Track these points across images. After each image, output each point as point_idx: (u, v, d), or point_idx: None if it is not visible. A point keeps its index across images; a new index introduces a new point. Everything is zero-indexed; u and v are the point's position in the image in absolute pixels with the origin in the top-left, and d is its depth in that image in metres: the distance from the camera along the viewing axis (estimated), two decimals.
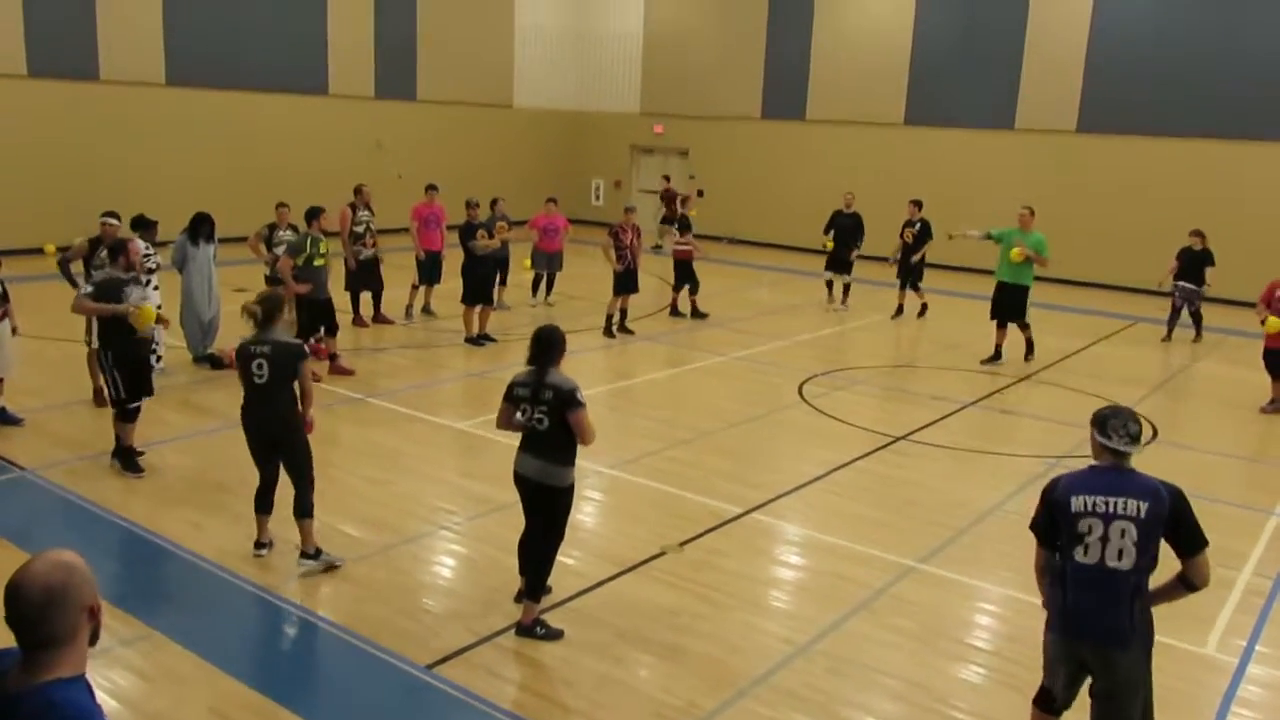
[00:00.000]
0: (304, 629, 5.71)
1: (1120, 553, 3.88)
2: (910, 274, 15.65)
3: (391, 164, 21.37)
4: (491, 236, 12.72)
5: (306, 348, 6.57)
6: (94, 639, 2.29)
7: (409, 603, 5.93)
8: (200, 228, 10.80)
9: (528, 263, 15.15)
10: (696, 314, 14.89)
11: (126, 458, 7.74)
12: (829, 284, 16.56)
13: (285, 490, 6.34)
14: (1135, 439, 4.01)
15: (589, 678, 5.21)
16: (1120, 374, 12.65)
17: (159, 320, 8.05)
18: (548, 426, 5.42)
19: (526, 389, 5.48)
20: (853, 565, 6.73)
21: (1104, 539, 3.90)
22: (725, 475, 8.35)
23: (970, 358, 13.13)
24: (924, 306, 15.92)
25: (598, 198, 27.15)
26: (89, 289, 7.57)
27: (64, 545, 2.33)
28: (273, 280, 10.93)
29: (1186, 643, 5.78)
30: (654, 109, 26.22)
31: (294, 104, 21.02)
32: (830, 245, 16.28)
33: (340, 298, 11.97)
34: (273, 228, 11.70)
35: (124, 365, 7.63)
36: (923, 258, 15.53)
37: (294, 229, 11.47)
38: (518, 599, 5.85)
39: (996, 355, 12.90)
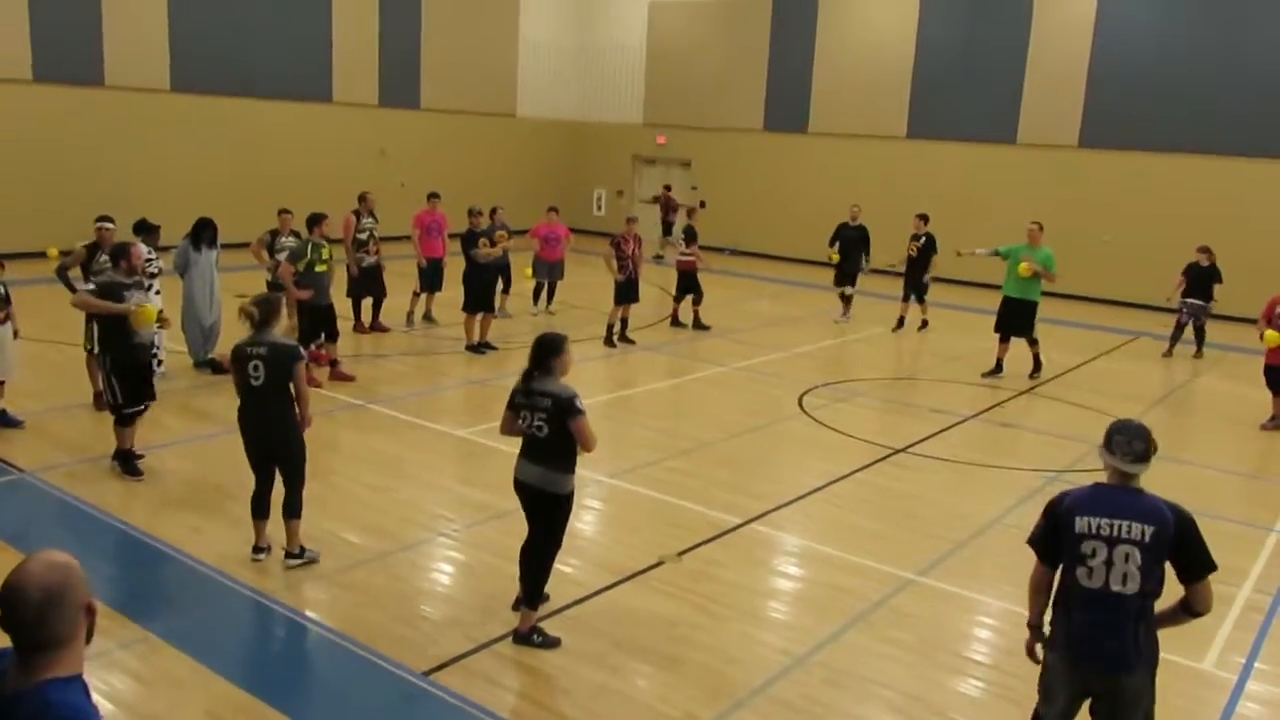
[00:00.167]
0: (301, 634, 5.71)
1: (1125, 577, 3.77)
2: (915, 287, 15.70)
3: (394, 172, 21.42)
4: (493, 245, 12.75)
5: (304, 351, 6.57)
6: (89, 638, 2.29)
7: (407, 609, 5.93)
8: (203, 233, 10.82)
9: (529, 271, 15.17)
10: (698, 325, 14.90)
11: (125, 461, 7.74)
12: (842, 296, 16.60)
13: (278, 492, 6.37)
14: (1141, 458, 3.88)
15: (586, 687, 5.20)
16: (1121, 389, 12.65)
17: (160, 322, 8.05)
18: (547, 434, 5.42)
19: (525, 396, 5.49)
20: (851, 577, 6.72)
21: (1108, 563, 3.78)
22: (725, 486, 8.34)
23: (971, 371, 13.13)
24: (924, 322, 15.94)
25: (600, 208, 27.20)
26: (91, 287, 7.57)
27: (63, 548, 2.32)
28: (275, 286, 10.94)
29: (1185, 659, 5.76)
30: (657, 120, 26.29)
31: (298, 111, 21.08)
32: (835, 258, 16.36)
33: (342, 304, 11.99)
34: (275, 234, 11.72)
35: (122, 371, 7.64)
36: (930, 276, 15.55)
37: (296, 235, 11.49)
38: (516, 606, 5.85)
39: (997, 369, 12.91)
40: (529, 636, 5.53)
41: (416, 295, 14.03)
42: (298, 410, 6.31)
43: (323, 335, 10.79)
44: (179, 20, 19.03)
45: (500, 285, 13.84)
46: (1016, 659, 5.55)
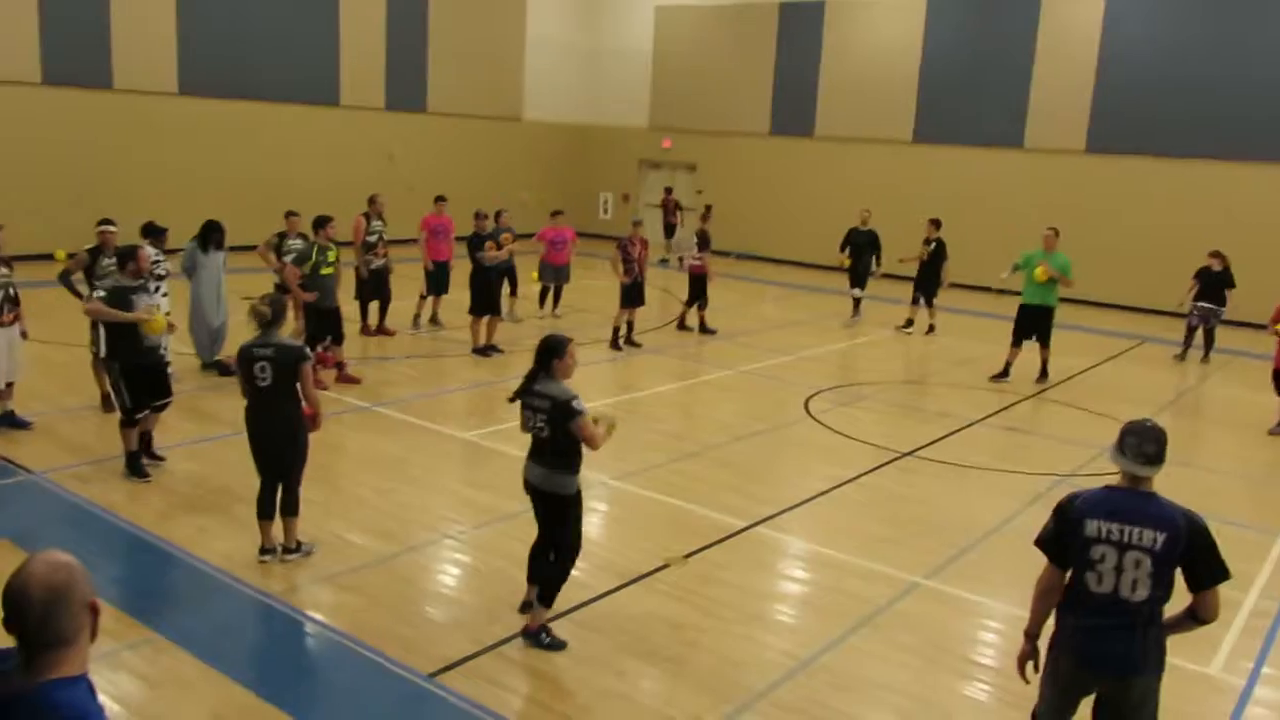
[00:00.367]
0: (307, 635, 5.71)
1: (1134, 584, 3.72)
2: (924, 291, 15.74)
3: (401, 176, 21.46)
4: (500, 248, 12.77)
5: (311, 353, 6.59)
6: (93, 636, 2.28)
7: (413, 611, 5.93)
8: (210, 235, 10.85)
9: (535, 274, 15.20)
10: (704, 329, 14.90)
11: (132, 463, 7.76)
12: (855, 300, 16.71)
13: None
14: (1153, 460, 3.81)
15: (591, 689, 5.21)
16: (1128, 393, 12.62)
17: (168, 327, 8.10)
18: (548, 434, 5.46)
19: (528, 396, 5.53)
20: (857, 580, 6.71)
21: (1118, 568, 3.73)
22: (730, 489, 8.34)
23: (978, 375, 13.12)
24: (931, 327, 15.96)
25: (605, 211, 27.24)
26: (101, 294, 7.58)
27: (70, 549, 2.31)
28: (282, 288, 10.97)
29: (1193, 664, 5.75)
30: (662, 124, 26.32)
31: (305, 114, 21.15)
32: (847, 262, 16.43)
33: (350, 306, 12.02)
34: (283, 236, 11.75)
35: (131, 375, 7.67)
36: (939, 278, 15.56)
37: (304, 237, 11.52)
38: (522, 609, 5.86)
39: (1004, 373, 12.89)
40: (538, 635, 5.55)
41: (423, 298, 14.06)
42: (305, 411, 6.34)
43: (328, 338, 10.81)
44: (187, 24, 19.11)
45: (507, 289, 13.86)
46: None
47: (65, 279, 9.30)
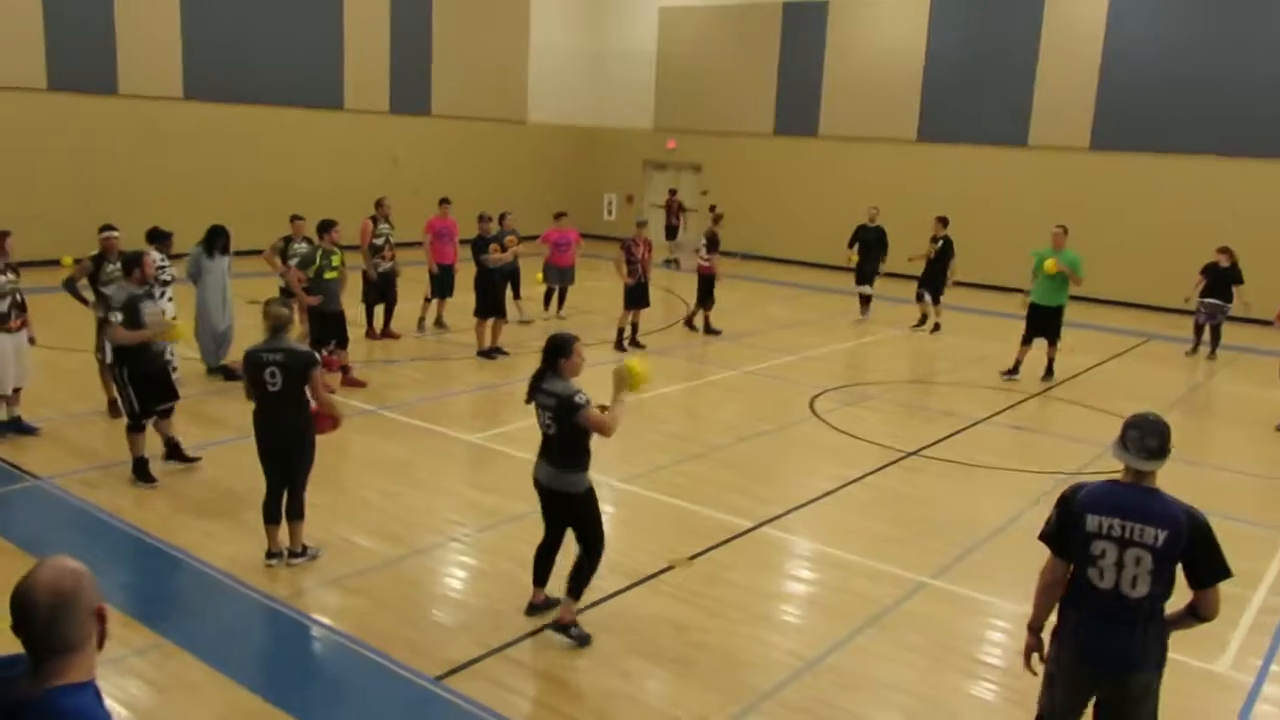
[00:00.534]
0: (314, 639, 5.72)
1: (1135, 580, 3.71)
2: (930, 288, 15.79)
3: (406, 179, 21.49)
4: (504, 250, 12.79)
5: (318, 356, 6.62)
6: (101, 643, 2.29)
7: (419, 614, 5.94)
8: (215, 240, 10.88)
9: (539, 276, 15.21)
10: (709, 330, 14.90)
11: (139, 469, 7.78)
12: (862, 297, 16.77)
13: None
14: (1155, 454, 3.78)
15: (597, 691, 5.21)
16: (1134, 391, 12.58)
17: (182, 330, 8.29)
18: (555, 432, 5.50)
19: (536, 395, 5.57)
20: (863, 580, 6.71)
21: (1118, 564, 3.72)
22: (736, 489, 8.34)
23: (983, 374, 13.10)
24: (936, 325, 15.96)
25: (610, 212, 27.25)
26: (119, 316, 7.56)
27: (78, 554, 2.32)
28: (287, 292, 11.00)
29: (1201, 662, 5.74)
30: (667, 125, 26.32)
31: (310, 118, 21.19)
32: (855, 259, 16.47)
33: (354, 310, 12.04)
34: (289, 240, 11.78)
35: (140, 380, 7.70)
36: (945, 275, 15.57)
37: (309, 241, 11.54)
38: (529, 611, 5.88)
39: (1014, 370, 12.88)
40: (567, 628, 5.59)
41: (428, 301, 14.08)
42: (323, 415, 6.38)
43: (333, 341, 10.83)
44: (192, 29, 19.16)
45: (510, 292, 13.87)
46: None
47: (70, 286, 9.31)
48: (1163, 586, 3.75)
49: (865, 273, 16.55)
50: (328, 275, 10.61)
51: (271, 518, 6.43)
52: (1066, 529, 3.87)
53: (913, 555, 7.13)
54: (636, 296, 13.39)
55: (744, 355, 13.65)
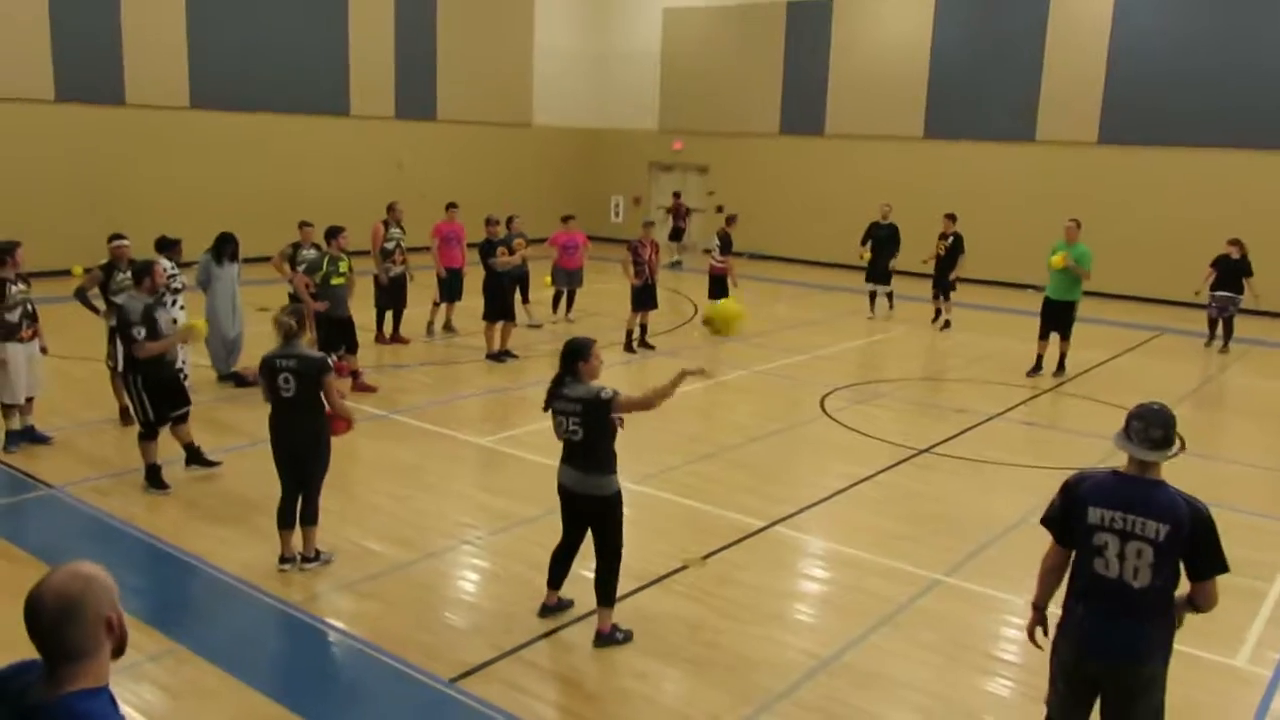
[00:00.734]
0: (327, 643, 5.73)
1: (1136, 571, 3.71)
2: (942, 286, 15.79)
3: (412, 184, 21.53)
4: (511, 253, 12.81)
5: (330, 361, 6.64)
6: (118, 652, 2.26)
7: (431, 617, 5.94)
8: (224, 247, 10.92)
9: (548, 280, 15.22)
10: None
11: (152, 476, 7.80)
12: (872, 295, 16.83)
13: None
14: (1157, 445, 3.74)
15: (611, 692, 5.20)
16: (1145, 385, 12.52)
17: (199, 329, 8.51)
18: (582, 436, 5.47)
19: (557, 401, 5.54)
20: (876, 579, 6.68)
21: (1120, 556, 3.73)
22: (747, 489, 8.32)
23: (994, 370, 13.06)
24: (947, 322, 15.96)
25: (617, 214, 27.24)
26: (142, 331, 7.60)
27: (92, 561, 2.30)
28: (297, 299, 11.02)
29: (1218, 656, 5.71)
30: (672, 126, 26.31)
31: (316, 125, 21.25)
32: (867, 256, 16.47)
33: (365, 315, 12.06)
34: (297, 246, 11.81)
35: (152, 388, 7.73)
36: (958, 274, 15.62)
37: (318, 248, 11.57)
38: (542, 613, 5.87)
39: (1037, 367, 12.85)
40: (611, 636, 5.59)
41: (436, 305, 14.10)
42: (336, 419, 6.40)
43: (342, 347, 10.85)
44: (198, 38, 19.24)
45: (520, 295, 13.89)
46: (1045, 658, 5.51)
47: (81, 296, 9.36)
48: (1165, 579, 3.74)
49: (878, 270, 16.54)
50: (334, 281, 10.63)
51: (285, 522, 6.44)
52: (1069, 518, 3.88)
53: (926, 553, 7.10)
54: (644, 298, 13.38)
55: (754, 355, 13.63)
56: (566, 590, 5.96)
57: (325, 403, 6.36)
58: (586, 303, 15.91)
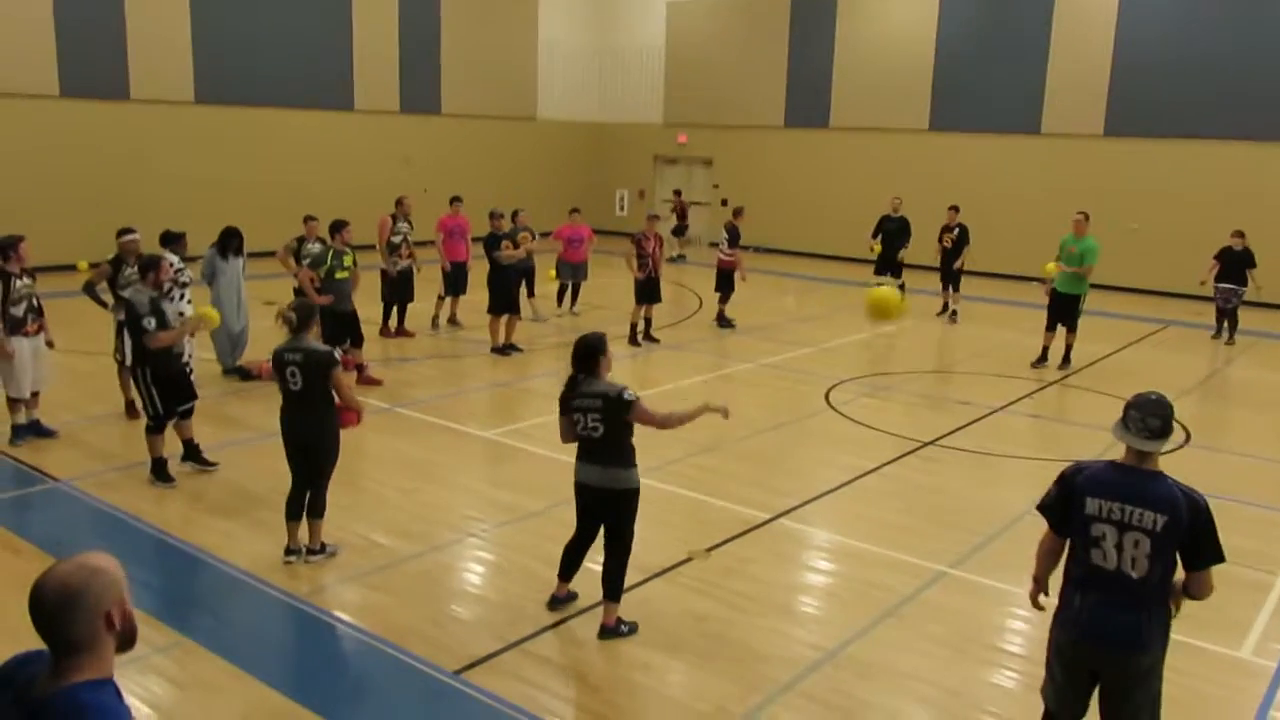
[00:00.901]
0: (334, 636, 5.74)
1: (1134, 562, 3.73)
2: (950, 277, 15.77)
3: (418, 178, 21.53)
4: (516, 247, 12.81)
5: (337, 355, 6.64)
6: (125, 646, 2.26)
7: (437, 610, 5.95)
8: (229, 242, 10.93)
9: (552, 273, 15.22)
10: (723, 322, 14.89)
11: (158, 469, 7.82)
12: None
13: None
14: (1155, 434, 3.73)
15: (617, 684, 5.21)
16: (1151, 378, 12.44)
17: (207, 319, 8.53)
18: (603, 433, 5.46)
19: (575, 399, 5.53)
20: (881, 571, 6.68)
21: (1118, 547, 3.73)
22: (752, 482, 8.33)
23: (1000, 363, 13.03)
24: (955, 313, 15.96)
25: (622, 208, 27.22)
26: (152, 323, 7.61)
27: (103, 553, 2.29)
28: (302, 293, 11.04)
29: (1223, 647, 5.70)
30: (677, 119, 26.27)
31: (320, 120, 21.26)
32: (878, 249, 16.47)
33: (370, 309, 12.07)
34: (302, 240, 11.83)
35: (161, 382, 7.75)
36: (962, 264, 15.63)
37: (322, 242, 11.58)
38: (551, 605, 5.88)
39: (1043, 358, 12.84)
40: (616, 628, 5.60)
41: (441, 299, 14.11)
42: (339, 410, 6.42)
43: (347, 341, 10.86)
44: (202, 33, 19.24)
45: (525, 289, 13.89)
46: None
47: (90, 290, 9.39)
48: (1164, 569, 3.75)
49: (888, 263, 16.56)
50: (339, 275, 10.65)
51: (293, 514, 6.47)
52: (1067, 508, 3.90)
53: (931, 545, 7.10)
54: (647, 291, 13.38)
55: (759, 348, 13.62)
56: (572, 584, 5.96)
57: (335, 396, 6.37)
58: (591, 296, 15.91)
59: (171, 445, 8.05)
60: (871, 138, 22.99)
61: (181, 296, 9.63)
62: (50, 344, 8.86)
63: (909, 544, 7.11)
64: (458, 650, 5.44)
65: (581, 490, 5.68)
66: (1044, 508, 4.04)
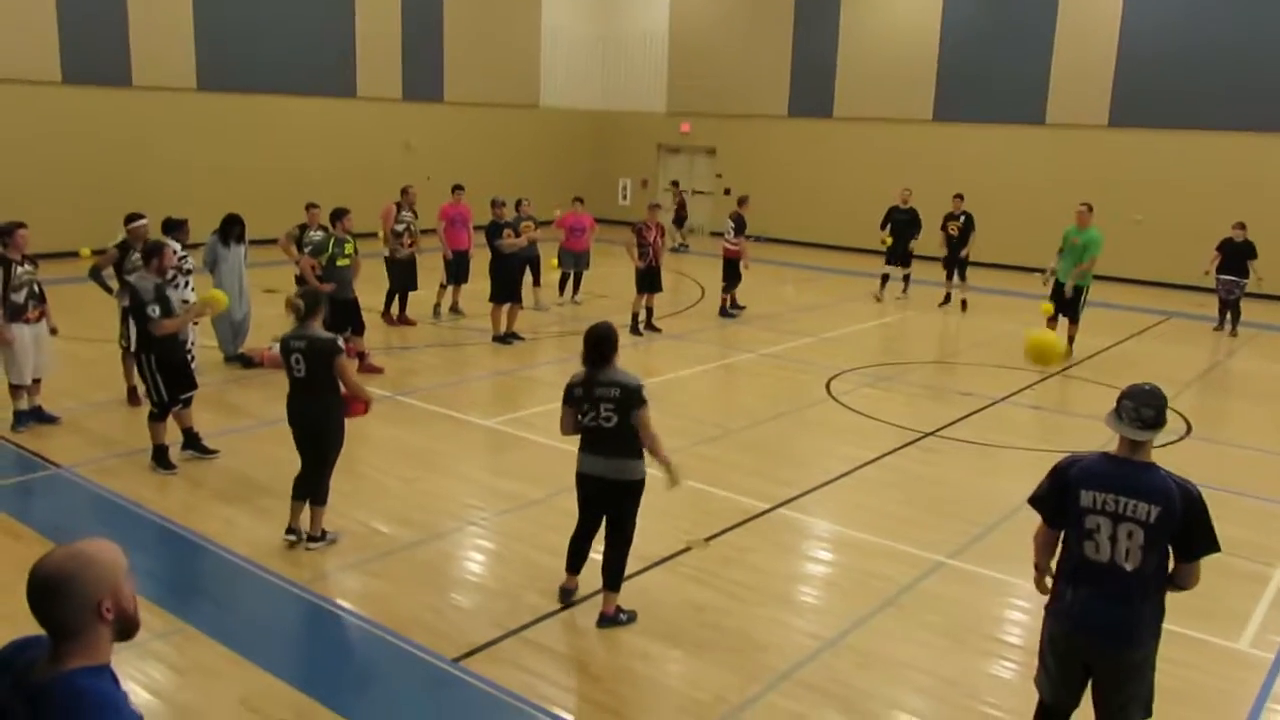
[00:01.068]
0: (334, 623, 5.76)
1: (1128, 553, 3.72)
2: (956, 265, 15.80)
3: (420, 165, 21.51)
4: (518, 235, 12.80)
5: (341, 343, 6.64)
6: (123, 635, 2.25)
7: (437, 597, 5.97)
8: (231, 229, 10.92)
9: (555, 262, 15.22)
10: (724, 312, 14.89)
11: (159, 456, 7.84)
12: (884, 277, 16.95)
13: None
14: (1148, 425, 3.73)
15: (616, 672, 5.23)
16: (1154, 369, 12.48)
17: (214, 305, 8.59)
18: (616, 423, 5.42)
19: (586, 389, 5.48)
20: (880, 561, 6.70)
21: (1112, 539, 3.73)
22: (752, 471, 8.33)
23: (1001, 354, 13.02)
24: (963, 303, 15.99)
25: (625, 197, 27.17)
26: (157, 310, 7.62)
27: (105, 539, 2.29)
28: (304, 281, 11.04)
29: (1221, 639, 5.70)
30: (680, 108, 26.20)
31: (323, 107, 21.23)
32: (889, 240, 16.49)
33: (372, 297, 12.06)
34: (304, 228, 11.83)
35: (165, 369, 7.76)
36: (968, 253, 15.68)
37: (325, 229, 11.58)
38: (562, 596, 5.89)
39: None
40: (615, 617, 5.60)
41: (443, 287, 14.11)
42: (345, 398, 6.43)
43: (349, 329, 10.86)
44: (204, 19, 19.20)
45: (530, 278, 13.90)
46: None
47: (96, 275, 9.41)
48: (1157, 561, 3.75)
49: (898, 253, 16.57)
50: (340, 263, 10.64)
51: (299, 494, 6.51)
52: (1059, 499, 3.91)
53: (930, 535, 7.11)
54: (647, 280, 13.36)
55: (761, 338, 13.62)
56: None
57: (341, 384, 6.38)
58: (593, 285, 15.90)
59: (172, 433, 8.07)
60: (875, 128, 22.92)
61: (186, 284, 9.63)
62: (54, 330, 8.87)
63: (908, 534, 7.12)
64: (457, 638, 5.46)
65: (585, 481, 5.66)
66: (1036, 500, 4.05)
